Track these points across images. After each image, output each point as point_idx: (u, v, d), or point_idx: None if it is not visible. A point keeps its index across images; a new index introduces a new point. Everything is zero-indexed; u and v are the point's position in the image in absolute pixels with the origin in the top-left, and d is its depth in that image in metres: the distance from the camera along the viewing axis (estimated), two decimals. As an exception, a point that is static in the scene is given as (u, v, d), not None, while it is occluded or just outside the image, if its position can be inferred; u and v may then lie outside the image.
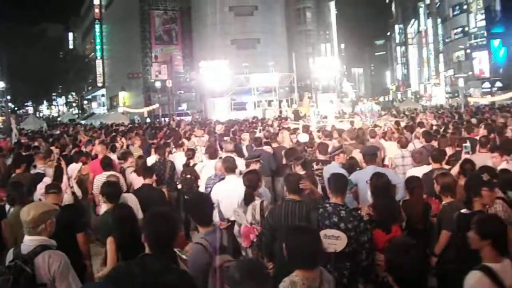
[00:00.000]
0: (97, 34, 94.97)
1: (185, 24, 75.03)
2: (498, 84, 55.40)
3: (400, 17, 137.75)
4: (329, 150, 10.22)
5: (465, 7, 73.84)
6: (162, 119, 48.15)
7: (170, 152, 12.68)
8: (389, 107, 56.21)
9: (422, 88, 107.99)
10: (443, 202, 6.11)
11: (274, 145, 12.72)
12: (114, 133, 19.35)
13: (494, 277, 3.85)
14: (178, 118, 45.48)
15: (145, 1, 72.86)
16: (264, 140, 13.25)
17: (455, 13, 79.72)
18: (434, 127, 16.79)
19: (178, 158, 11.77)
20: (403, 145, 11.05)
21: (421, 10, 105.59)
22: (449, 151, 9.59)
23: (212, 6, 62.34)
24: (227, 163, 8.24)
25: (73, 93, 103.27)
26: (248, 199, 6.61)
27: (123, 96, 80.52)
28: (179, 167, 11.30)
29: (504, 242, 4.08)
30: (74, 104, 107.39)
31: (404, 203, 6.71)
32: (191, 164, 11.07)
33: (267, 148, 12.14)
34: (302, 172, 8.05)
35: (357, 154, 9.45)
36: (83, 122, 53.48)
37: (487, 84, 59.69)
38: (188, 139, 15.63)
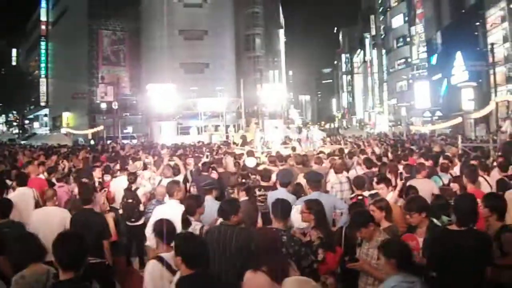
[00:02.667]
0: (43, 51, 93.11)
1: (134, 45, 74.51)
2: (438, 113, 56.86)
3: (347, 47, 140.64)
4: (273, 176, 10.35)
5: (408, 39, 76.00)
6: (107, 141, 47.48)
7: (114, 176, 12.57)
8: (335, 134, 56.96)
9: (367, 116, 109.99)
10: (381, 227, 6.25)
11: (220, 170, 12.75)
12: (56, 155, 18.97)
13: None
14: (123, 141, 45.05)
15: (94, 20, 72.12)
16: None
17: (399, 45, 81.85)
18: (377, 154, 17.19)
19: (120, 182, 11.63)
20: (338, 170, 11.27)
21: (367, 41, 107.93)
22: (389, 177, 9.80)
23: (162, 29, 62.26)
24: (168, 187, 8.23)
25: (14, 112, 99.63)
26: (185, 224, 6.58)
27: (67, 117, 79.14)
28: (120, 191, 11.11)
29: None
30: (14, 124, 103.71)
31: (347, 228, 6.87)
32: (133, 189, 10.92)
33: (212, 174, 12.15)
34: (245, 198, 8.14)
35: (303, 180, 9.58)
36: (23, 142, 52.12)
37: (427, 113, 61.21)
38: (132, 162, 15.50)
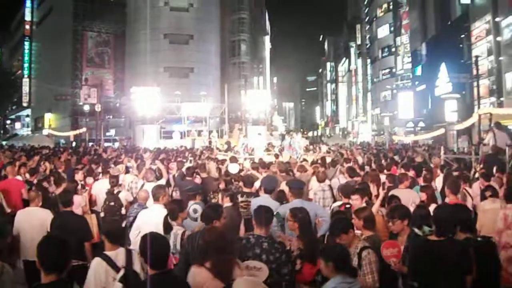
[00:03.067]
0: (26, 51, 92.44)
1: (119, 48, 74.36)
2: (421, 124, 57.24)
3: (332, 55, 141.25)
4: (256, 183, 10.37)
5: (393, 49, 76.43)
6: (89, 143, 47.16)
7: (96, 179, 12.49)
8: (317, 142, 57.10)
9: (350, 125, 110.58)
10: (363, 236, 6.25)
11: (203, 175, 12.72)
12: (37, 156, 18.81)
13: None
14: (105, 144, 44.81)
15: (79, 21, 71.75)
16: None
17: (384, 54, 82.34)
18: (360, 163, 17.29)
19: (102, 185, 11.55)
20: (321, 179, 11.31)
21: (352, 50, 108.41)
22: (371, 186, 9.84)
23: (147, 32, 62.18)
24: (154, 191, 8.18)
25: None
26: (167, 228, 6.59)
27: (49, 118, 78.79)
28: (102, 194, 11.05)
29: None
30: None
31: (328, 236, 6.88)
32: (115, 192, 10.90)
33: (196, 179, 12.11)
34: (229, 204, 8.14)
35: (286, 187, 9.59)
36: (4, 142, 51.63)
37: (411, 124, 61.61)
38: (115, 165, 15.42)
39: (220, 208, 6.65)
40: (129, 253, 5.41)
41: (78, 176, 12.19)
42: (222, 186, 11.66)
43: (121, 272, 4.94)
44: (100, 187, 11.49)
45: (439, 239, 5.30)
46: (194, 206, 8.00)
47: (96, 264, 5.28)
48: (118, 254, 5.32)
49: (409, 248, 5.67)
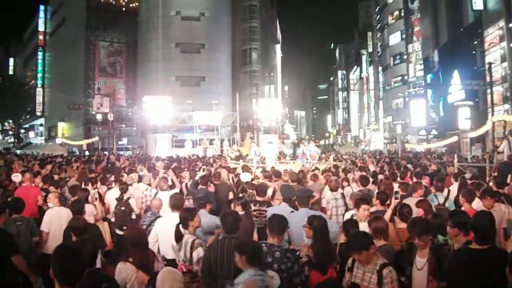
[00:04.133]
0: (40, 61, 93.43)
1: (130, 57, 74.90)
2: (434, 132, 57.01)
3: (343, 63, 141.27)
4: (268, 191, 10.34)
5: (405, 57, 76.22)
6: (102, 152, 47.33)
7: (109, 187, 12.53)
8: (329, 150, 56.97)
9: (362, 133, 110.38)
10: (376, 245, 6.20)
11: (216, 182, 12.71)
12: (51, 165, 18.88)
13: None
14: (117, 152, 44.94)
15: (91, 31, 72.42)
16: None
17: (396, 62, 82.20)
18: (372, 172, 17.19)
19: (114, 194, 11.59)
20: (333, 188, 11.31)
21: (364, 58, 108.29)
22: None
23: (159, 42, 62.39)
24: (173, 200, 8.16)
25: (10, 121, 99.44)
26: (177, 236, 6.56)
27: (62, 127, 79.20)
28: (114, 202, 11.18)
29: None
30: (10, 132, 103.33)
31: (341, 246, 6.81)
32: (124, 198, 10.99)
33: (209, 187, 12.09)
34: (241, 212, 8.11)
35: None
36: (18, 151, 51.89)
37: (423, 132, 61.36)
38: (128, 174, 15.43)
39: (238, 215, 6.68)
40: None
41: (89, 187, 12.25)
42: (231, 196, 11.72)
43: None
44: (112, 196, 11.54)
45: (482, 247, 5.17)
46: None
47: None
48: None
49: (451, 259, 5.49)
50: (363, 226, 6.90)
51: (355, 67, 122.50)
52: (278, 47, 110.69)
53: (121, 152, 50.23)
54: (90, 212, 9.66)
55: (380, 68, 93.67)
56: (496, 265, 4.97)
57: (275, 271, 5.35)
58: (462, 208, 8.51)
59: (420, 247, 5.85)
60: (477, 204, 8.80)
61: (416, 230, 5.88)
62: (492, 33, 42.46)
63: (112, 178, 13.91)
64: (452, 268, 5.33)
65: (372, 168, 19.64)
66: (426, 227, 5.93)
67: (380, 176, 15.16)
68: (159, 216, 8.55)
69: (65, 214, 8.69)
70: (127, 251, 5.66)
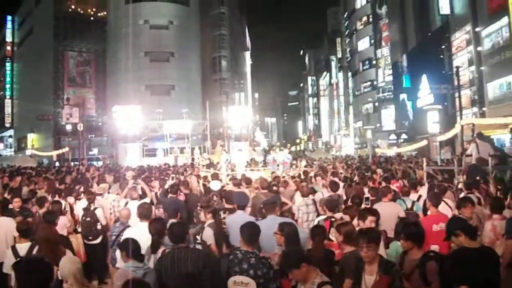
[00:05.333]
0: (8, 72, 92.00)
1: (100, 67, 74.57)
2: (404, 136, 57.64)
3: (313, 69, 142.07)
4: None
5: (374, 62, 76.99)
6: (72, 163, 46.88)
7: (78, 198, 12.38)
8: (301, 157, 57.16)
9: (333, 139, 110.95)
10: (345, 251, 6.18)
11: (186, 192, 12.65)
12: (19, 177, 18.63)
13: None
14: (88, 163, 44.56)
15: (60, 41, 71.92)
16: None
17: (365, 67, 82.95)
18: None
19: (83, 205, 11.47)
20: (305, 194, 11.31)
21: (333, 64, 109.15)
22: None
23: (127, 51, 61.95)
24: (141, 209, 8.07)
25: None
26: (155, 247, 6.52)
27: (32, 138, 78.32)
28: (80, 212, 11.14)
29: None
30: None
31: (307, 251, 6.79)
32: (91, 208, 10.91)
33: (180, 196, 12.04)
34: (211, 221, 8.07)
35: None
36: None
37: (393, 136, 61.98)
38: (97, 184, 15.30)
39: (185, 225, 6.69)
40: None
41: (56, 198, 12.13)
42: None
43: None
44: (81, 206, 11.42)
45: (475, 246, 5.34)
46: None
47: None
48: None
49: (451, 258, 5.42)
50: None
51: (325, 73, 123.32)
52: (247, 54, 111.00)
53: (93, 162, 49.85)
54: (64, 224, 9.70)
55: (349, 74, 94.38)
56: (489, 262, 5.22)
57: (251, 277, 5.38)
58: (429, 212, 8.62)
59: (368, 261, 5.40)
60: (444, 208, 8.89)
61: (365, 239, 5.41)
62: (459, 38, 43.07)
63: (82, 189, 13.76)
64: (453, 266, 5.30)
65: (343, 173, 19.74)
66: (375, 237, 5.57)
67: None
68: (128, 226, 8.46)
69: (5, 223, 8.78)
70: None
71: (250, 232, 5.93)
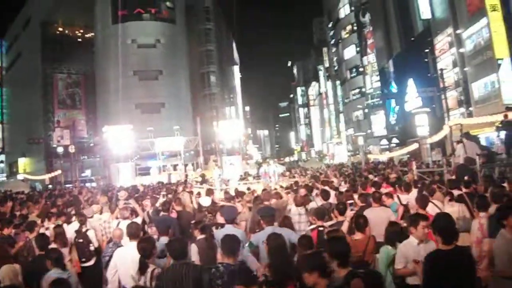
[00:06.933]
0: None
1: (89, 88, 74.34)
2: (395, 140, 57.84)
3: (301, 80, 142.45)
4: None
5: (361, 69, 77.53)
6: (65, 185, 46.72)
7: (69, 222, 12.36)
8: (294, 167, 57.19)
9: (325, 147, 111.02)
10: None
11: (178, 208, 12.67)
12: (10, 202, 18.53)
13: None
14: (81, 184, 44.43)
15: (48, 64, 71.91)
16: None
17: (352, 75, 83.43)
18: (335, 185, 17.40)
19: (75, 227, 11.42)
20: (298, 203, 11.34)
21: (321, 73, 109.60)
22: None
23: (116, 70, 61.83)
24: (130, 229, 8.11)
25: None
26: (143, 268, 6.49)
27: (23, 162, 78.10)
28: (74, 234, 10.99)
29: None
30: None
31: (298, 260, 6.84)
32: (83, 230, 10.87)
33: (172, 213, 12.05)
34: (200, 236, 8.12)
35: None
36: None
37: (384, 141, 62.20)
38: (90, 205, 15.28)
39: (185, 241, 6.72)
40: None
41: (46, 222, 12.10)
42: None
43: None
44: (72, 229, 11.35)
45: (449, 247, 5.32)
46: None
47: None
48: None
49: (425, 262, 5.47)
50: (426, 247, 6.24)
51: (314, 82, 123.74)
52: (236, 68, 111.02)
53: (87, 184, 49.70)
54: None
55: (337, 82, 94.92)
56: (465, 263, 5.30)
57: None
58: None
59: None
60: (433, 209, 9.00)
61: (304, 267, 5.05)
62: (442, 40, 43.49)
63: (73, 211, 13.74)
64: (428, 269, 5.37)
65: (335, 181, 19.82)
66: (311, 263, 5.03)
67: (342, 189, 15.36)
68: (121, 246, 8.49)
69: None
70: None
71: (230, 244, 6.01)
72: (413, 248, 6.25)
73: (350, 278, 5.01)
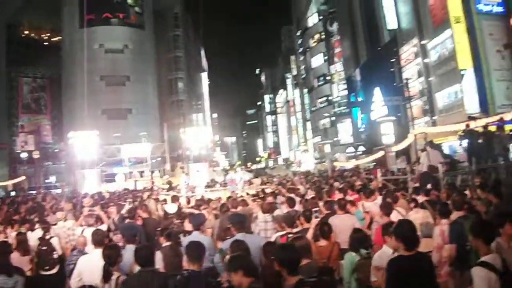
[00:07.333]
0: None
1: (55, 92, 73.43)
2: (361, 148, 58.36)
3: (269, 87, 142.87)
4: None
5: (328, 78, 78.15)
6: (29, 192, 46.05)
7: (32, 229, 12.20)
8: (261, 174, 57.25)
9: (292, 155, 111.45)
10: (300, 264, 6.27)
11: (144, 215, 12.61)
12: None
13: None
14: (45, 191, 43.80)
15: (13, 67, 70.72)
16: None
17: (320, 83, 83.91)
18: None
19: (38, 235, 11.27)
20: (265, 210, 11.38)
21: (289, 81, 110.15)
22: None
23: (83, 75, 60.98)
24: (94, 236, 8.06)
25: None
26: (107, 275, 6.45)
27: (-15, 168, 76.72)
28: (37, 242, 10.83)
29: None
30: None
31: (263, 268, 6.87)
32: (47, 237, 10.67)
33: (137, 220, 11.99)
34: (166, 244, 8.12)
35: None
36: None
37: (351, 149, 62.69)
38: (54, 213, 15.11)
39: (152, 248, 6.70)
40: None
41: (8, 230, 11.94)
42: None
43: None
44: (35, 236, 11.20)
45: (410, 253, 5.38)
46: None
47: None
48: None
49: (387, 268, 5.51)
50: None
51: (281, 90, 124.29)
52: (204, 75, 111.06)
53: (52, 191, 49.04)
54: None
55: (305, 90, 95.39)
56: (425, 269, 5.38)
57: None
58: (381, 221, 8.84)
59: None
60: (396, 216, 9.12)
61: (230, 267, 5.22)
62: (407, 51, 44.03)
63: (36, 218, 13.56)
64: (391, 277, 5.43)
65: (302, 189, 19.92)
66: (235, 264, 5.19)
67: (308, 196, 15.44)
68: (86, 253, 8.43)
69: None
70: None
71: (195, 251, 6.02)
72: (388, 258, 6.25)
73: (299, 287, 5.05)
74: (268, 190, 18.96)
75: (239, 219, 8.55)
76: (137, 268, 6.19)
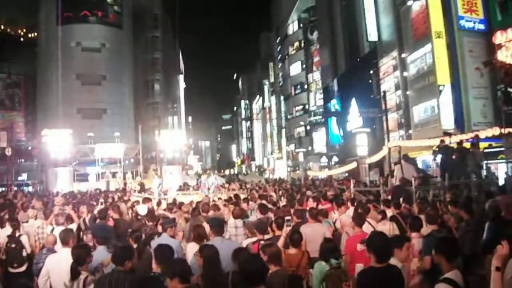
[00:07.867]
0: None
1: (30, 89, 72.80)
2: (335, 158, 58.58)
3: (246, 93, 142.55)
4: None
5: (306, 86, 78.28)
6: (0, 189, 45.48)
7: (2, 226, 12.06)
8: (234, 180, 57.24)
9: (266, 162, 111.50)
10: (270, 271, 6.29)
11: (115, 216, 12.54)
12: None
13: None
14: (16, 188, 43.34)
15: (-14, 63, 70.03)
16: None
17: (297, 91, 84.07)
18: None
19: (7, 232, 11.16)
20: (236, 215, 11.43)
21: (266, 88, 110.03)
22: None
23: (58, 73, 60.71)
24: (62, 235, 7.99)
25: None
26: (75, 275, 6.42)
27: (-44, 164, 75.67)
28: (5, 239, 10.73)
29: None
30: None
31: (233, 274, 6.87)
32: (16, 235, 10.61)
33: (108, 221, 11.92)
34: (135, 246, 8.09)
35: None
36: None
37: (324, 159, 62.92)
38: (24, 211, 14.95)
39: (130, 249, 6.65)
40: None
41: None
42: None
43: None
44: (4, 233, 11.08)
45: (382, 265, 5.42)
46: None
47: None
48: None
49: (358, 279, 5.64)
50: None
51: (258, 96, 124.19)
52: (181, 78, 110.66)
53: (23, 188, 48.50)
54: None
55: (282, 98, 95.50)
56: (395, 281, 5.42)
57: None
58: (353, 232, 8.89)
59: None
60: (368, 228, 9.18)
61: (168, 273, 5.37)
62: (387, 63, 44.20)
63: (6, 216, 13.42)
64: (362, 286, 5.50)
65: (274, 196, 19.96)
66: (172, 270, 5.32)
67: (281, 204, 15.50)
68: (55, 252, 8.36)
69: None
70: None
71: (162, 254, 6.07)
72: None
73: None
74: (242, 196, 18.93)
75: (218, 223, 8.55)
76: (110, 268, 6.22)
